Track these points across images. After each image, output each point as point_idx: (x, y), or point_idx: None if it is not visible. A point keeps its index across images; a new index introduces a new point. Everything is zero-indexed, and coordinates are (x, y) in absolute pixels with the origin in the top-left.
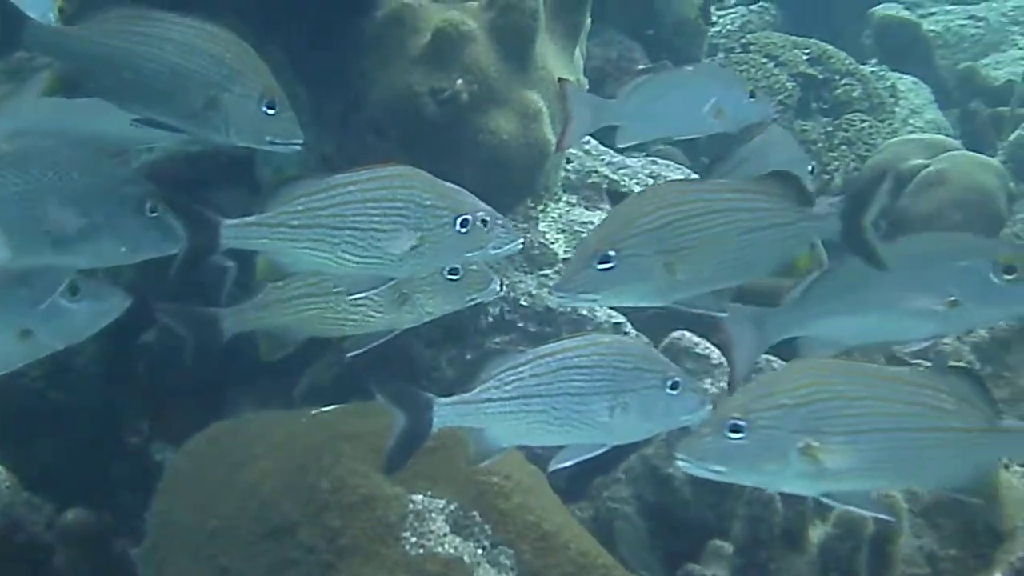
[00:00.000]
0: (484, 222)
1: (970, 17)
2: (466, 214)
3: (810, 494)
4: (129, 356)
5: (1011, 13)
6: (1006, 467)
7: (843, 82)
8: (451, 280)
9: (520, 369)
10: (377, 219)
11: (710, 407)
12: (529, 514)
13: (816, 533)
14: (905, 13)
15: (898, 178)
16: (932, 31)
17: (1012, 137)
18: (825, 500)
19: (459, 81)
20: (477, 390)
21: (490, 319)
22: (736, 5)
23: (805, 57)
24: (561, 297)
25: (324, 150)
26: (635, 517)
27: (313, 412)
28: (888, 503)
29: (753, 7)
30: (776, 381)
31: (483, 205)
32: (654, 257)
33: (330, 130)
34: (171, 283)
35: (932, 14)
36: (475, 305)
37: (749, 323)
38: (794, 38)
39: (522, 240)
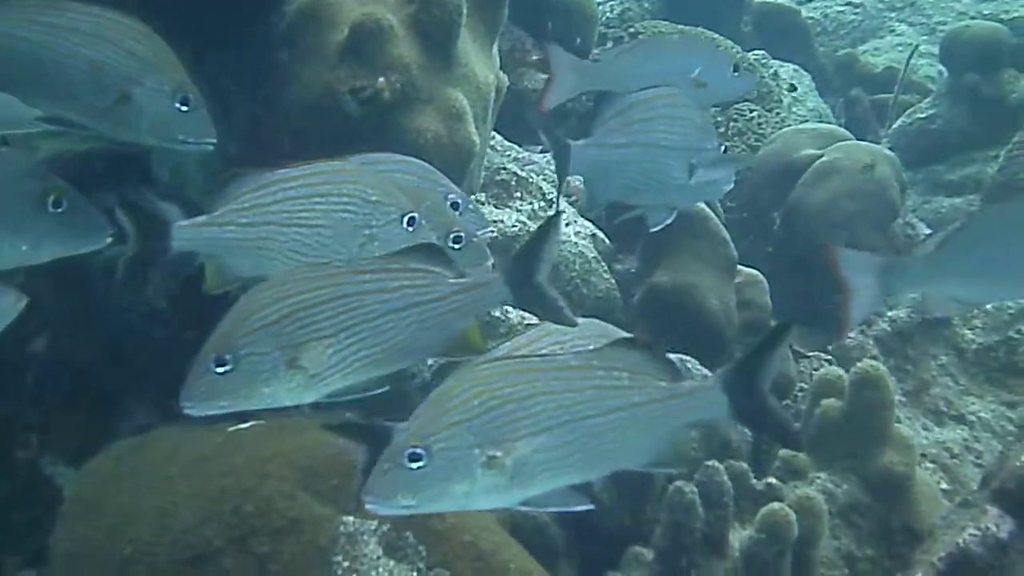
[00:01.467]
0: (455, 205)
1: (848, 3)
2: (412, 212)
3: (507, 506)
4: (16, 365)
5: (887, 0)
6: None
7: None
8: (453, 249)
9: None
10: (323, 214)
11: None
12: (465, 534)
13: (738, 537)
14: (784, 0)
15: (791, 167)
16: (811, 18)
17: (896, 124)
18: (524, 508)
19: (381, 79)
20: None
21: None
22: None
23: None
24: (186, 407)
25: (230, 151)
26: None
27: (230, 429)
28: (807, 506)
29: None
30: (444, 399)
31: (453, 188)
32: (275, 353)
33: (239, 131)
34: (120, 289)
35: (811, 0)
36: None
37: (873, 273)
38: (681, 27)
39: (492, 229)
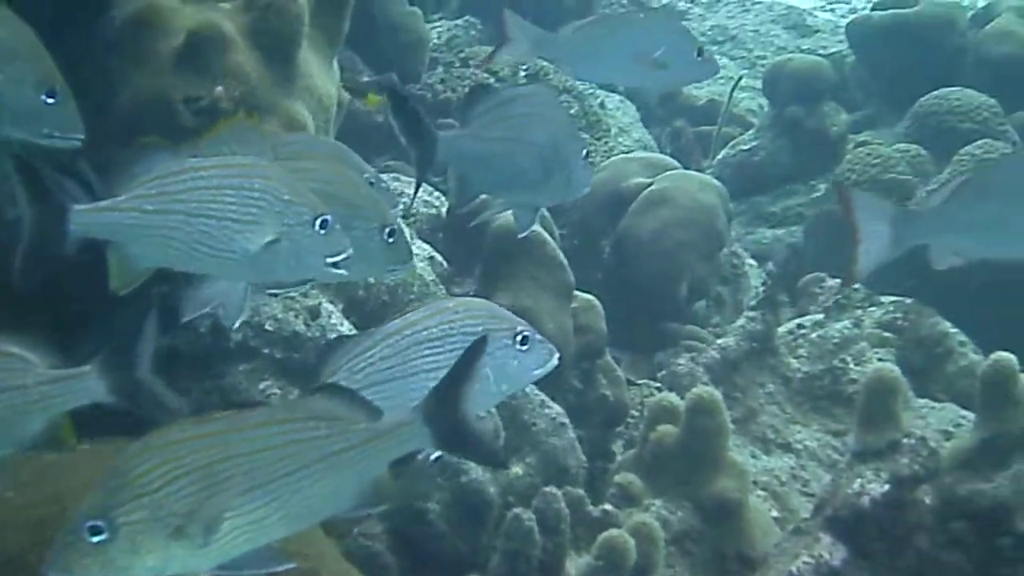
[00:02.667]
0: (371, 183)
1: None
2: (325, 215)
3: (203, 571)
4: None
5: (709, 33)
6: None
7: (560, 99)
8: (387, 242)
9: (367, 354)
10: (234, 208)
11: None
12: (303, 561)
13: (575, 564)
14: None
15: (621, 196)
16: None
17: (719, 156)
18: (221, 572)
19: (219, 88)
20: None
21: (232, 345)
22: (441, 19)
23: (523, 73)
24: None
25: (60, 159)
26: None
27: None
28: (644, 532)
29: (459, 21)
30: (129, 468)
31: (367, 167)
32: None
33: None
34: (19, 280)
35: None
36: (216, 329)
37: (886, 221)
38: None
39: (400, 205)
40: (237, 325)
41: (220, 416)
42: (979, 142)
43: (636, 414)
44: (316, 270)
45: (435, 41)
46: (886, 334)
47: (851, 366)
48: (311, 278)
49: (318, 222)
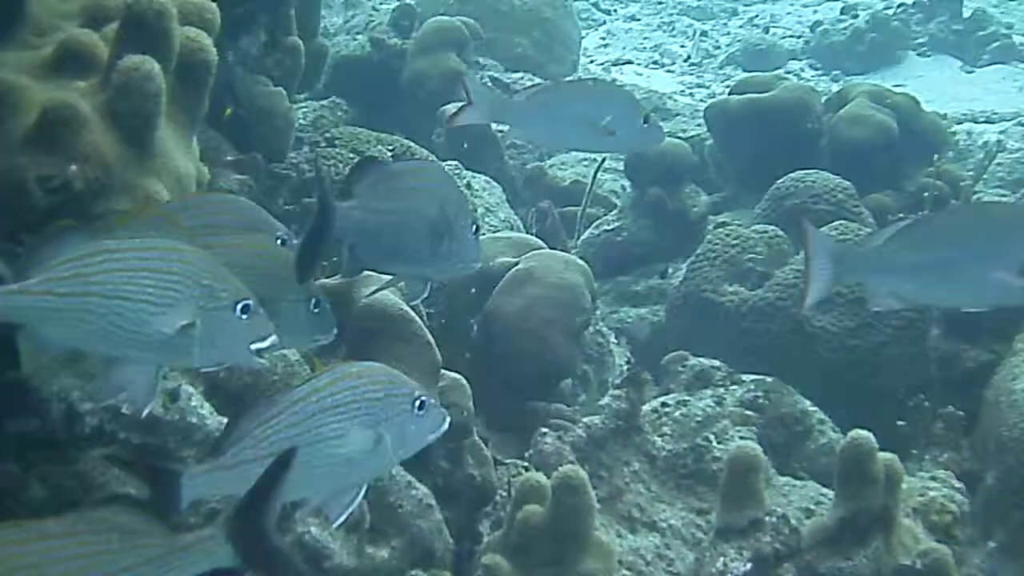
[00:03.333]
0: (284, 242)
1: None
2: (247, 299)
3: None
4: None
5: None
6: None
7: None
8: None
9: (273, 422)
10: (151, 290)
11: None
12: None
13: None
14: None
15: (487, 275)
16: (499, 131)
17: (584, 236)
18: None
19: (72, 167)
20: (230, 453)
21: (88, 429)
22: (307, 99)
23: (389, 152)
24: None
25: None
26: None
27: None
28: None
29: (324, 102)
30: None
31: (280, 226)
32: None
33: None
34: None
35: None
36: (69, 413)
37: (830, 257)
38: (378, 134)
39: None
40: (145, 412)
41: (7, 525)
42: (834, 223)
43: (503, 494)
44: (238, 355)
45: (301, 121)
46: (747, 412)
47: (714, 444)
48: (231, 363)
49: (239, 307)
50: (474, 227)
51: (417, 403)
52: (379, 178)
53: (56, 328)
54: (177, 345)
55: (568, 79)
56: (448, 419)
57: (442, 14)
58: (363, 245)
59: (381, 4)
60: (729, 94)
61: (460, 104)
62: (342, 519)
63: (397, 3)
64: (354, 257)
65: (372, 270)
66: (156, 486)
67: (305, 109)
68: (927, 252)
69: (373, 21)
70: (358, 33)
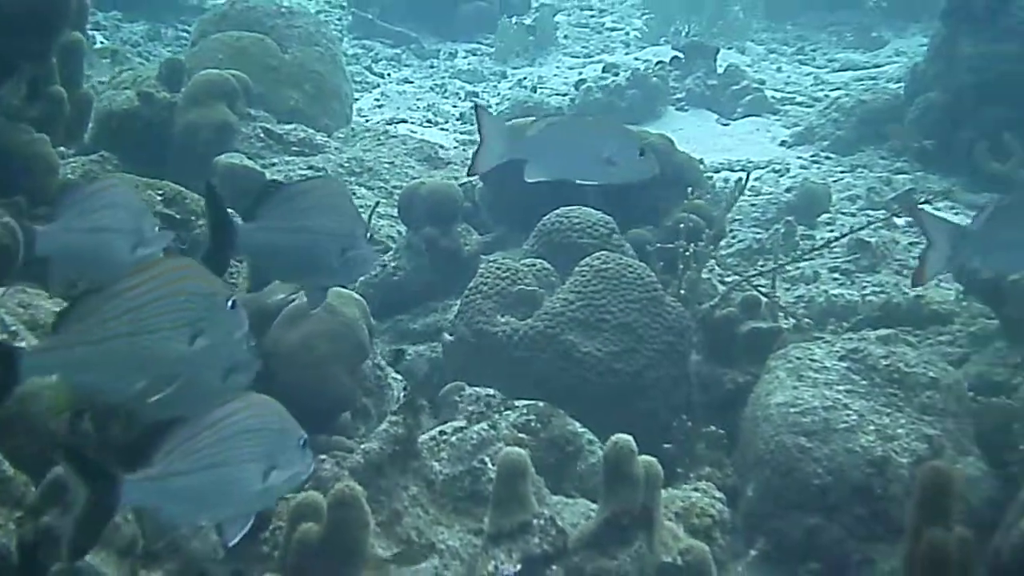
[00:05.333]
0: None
1: (310, 167)
2: (232, 295)
3: None
4: None
5: (346, 164)
6: None
7: (199, 223)
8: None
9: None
10: (166, 317)
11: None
12: None
13: None
14: (248, 162)
15: (264, 311)
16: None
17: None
18: None
19: None
20: (160, 466)
21: None
22: (75, 155)
23: (159, 198)
24: None
25: None
26: None
27: None
28: None
29: (92, 156)
30: None
31: None
32: None
33: None
34: None
35: (273, 164)
36: None
37: (948, 240)
38: (148, 179)
39: None
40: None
41: None
42: (597, 254)
43: (282, 524)
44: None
45: (70, 176)
46: (521, 435)
47: (489, 466)
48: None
49: (230, 303)
50: (368, 235)
51: (302, 441)
52: (282, 199)
53: (91, 373)
54: (195, 355)
55: (568, 117)
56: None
57: (212, 68)
58: (268, 261)
59: (151, 56)
60: None
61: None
62: (236, 540)
63: (166, 58)
64: (259, 272)
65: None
66: (96, 487)
67: (74, 164)
68: (1009, 232)
69: (141, 76)
70: (126, 88)
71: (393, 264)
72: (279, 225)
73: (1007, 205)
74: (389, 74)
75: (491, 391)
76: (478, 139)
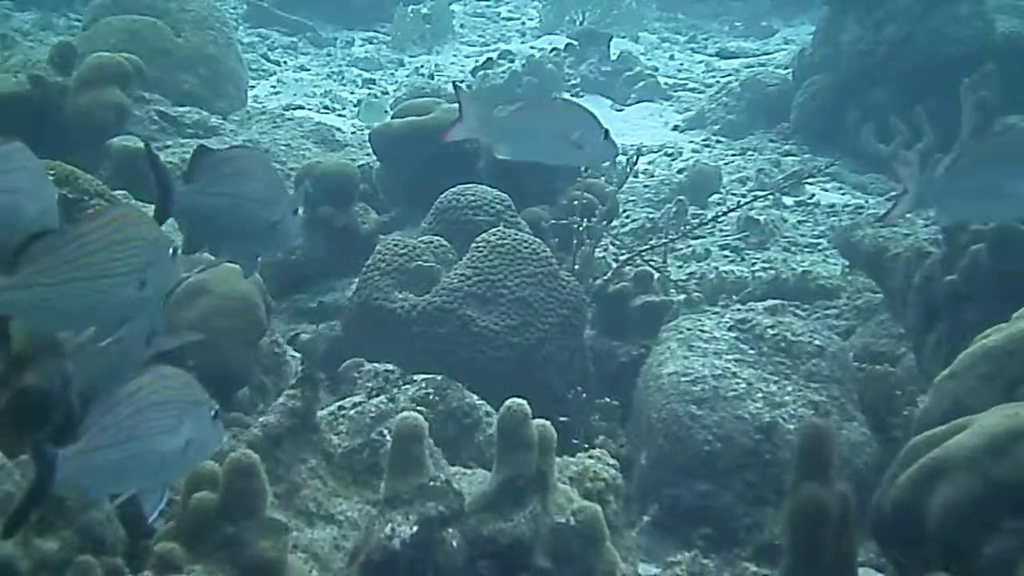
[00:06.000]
0: None
1: None
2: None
3: None
4: None
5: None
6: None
7: (93, 202)
8: None
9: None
10: (120, 262)
11: None
12: None
13: None
14: (140, 144)
15: None
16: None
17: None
18: None
19: None
20: (83, 440)
21: None
22: None
23: (52, 178)
24: None
25: None
26: None
27: None
28: None
29: None
30: None
31: None
32: None
33: None
34: None
35: (168, 147)
36: None
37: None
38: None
39: None
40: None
41: None
42: (493, 230)
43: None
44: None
45: None
46: (419, 408)
47: (388, 438)
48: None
49: (172, 250)
50: (297, 209)
51: (214, 412)
52: (214, 163)
53: (48, 313)
54: (144, 300)
55: (538, 99)
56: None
57: (104, 52)
58: (205, 225)
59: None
60: (392, 118)
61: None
62: (156, 514)
63: (57, 42)
64: (195, 235)
65: (211, 248)
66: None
67: None
68: (973, 179)
69: (31, 60)
70: (17, 72)
71: None
72: (217, 190)
73: (968, 155)
74: (286, 62)
75: (390, 366)
76: (456, 114)
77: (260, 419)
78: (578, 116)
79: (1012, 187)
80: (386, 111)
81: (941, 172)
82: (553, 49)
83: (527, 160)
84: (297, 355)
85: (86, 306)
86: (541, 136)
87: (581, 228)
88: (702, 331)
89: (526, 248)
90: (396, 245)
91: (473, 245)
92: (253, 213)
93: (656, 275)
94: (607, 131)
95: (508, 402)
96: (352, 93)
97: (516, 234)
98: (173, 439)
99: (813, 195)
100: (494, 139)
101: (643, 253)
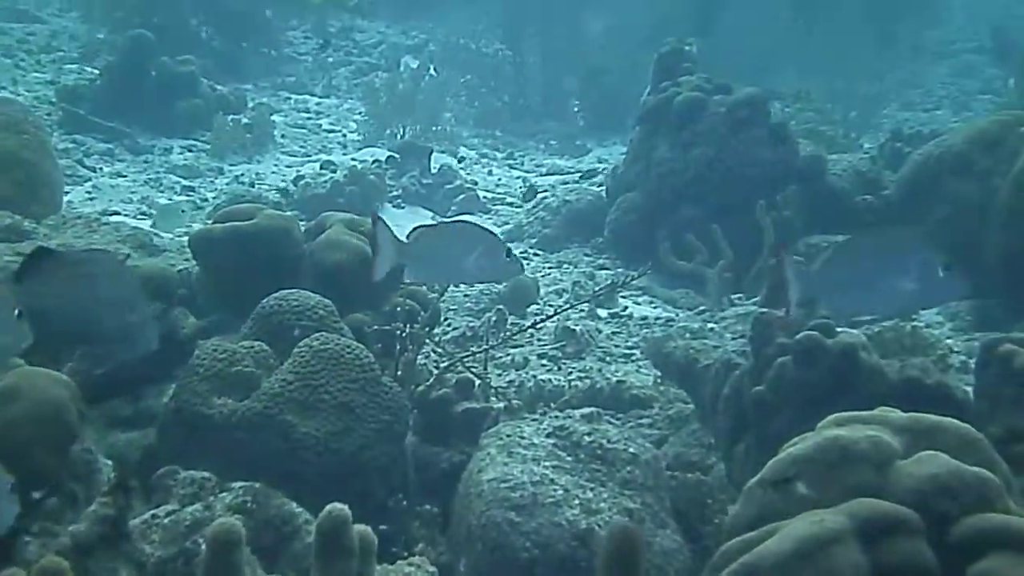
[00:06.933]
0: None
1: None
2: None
3: None
4: None
5: None
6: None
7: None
8: None
9: None
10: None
11: None
12: None
13: None
14: None
15: None
16: None
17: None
18: None
19: None
20: None
21: None
22: None
23: None
24: None
25: None
26: None
27: None
28: None
29: None
30: None
31: None
32: None
33: None
34: None
35: None
36: None
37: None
38: None
39: None
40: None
41: None
42: (316, 335)
43: None
44: None
45: None
46: (237, 516)
47: (202, 547)
48: None
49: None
50: (153, 310)
51: (9, 486)
52: (55, 265)
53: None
54: None
55: (441, 221)
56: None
57: None
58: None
59: None
60: (213, 223)
61: None
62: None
63: None
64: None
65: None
66: None
67: None
68: (839, 274)
69: None
70: None
71: None
72: (49, 290)
73: (840, 250)
74: (101, 168)
75: (206, 474)
76: (374, 248)
77: (70, 527)
78: (478, 238)
79: (880, 280)
80: (182, 213)
81: (816, 266)
82: (375, 161)
83: (437, 282)
84: (109, 462)
85: None
86: (446, 259)
87: (404, 334)
88: (521, 437)
89: (349, 353)
90: (215, 350)
91: (295, 350)
92: (99, 315)
93: (477, 382)
94: (509, 249)
95: (328, 507)
96: (170, 199)
97: (339, 339)
98: None
99: (626, 307)
100: (408, 264)
101: (464, 360)
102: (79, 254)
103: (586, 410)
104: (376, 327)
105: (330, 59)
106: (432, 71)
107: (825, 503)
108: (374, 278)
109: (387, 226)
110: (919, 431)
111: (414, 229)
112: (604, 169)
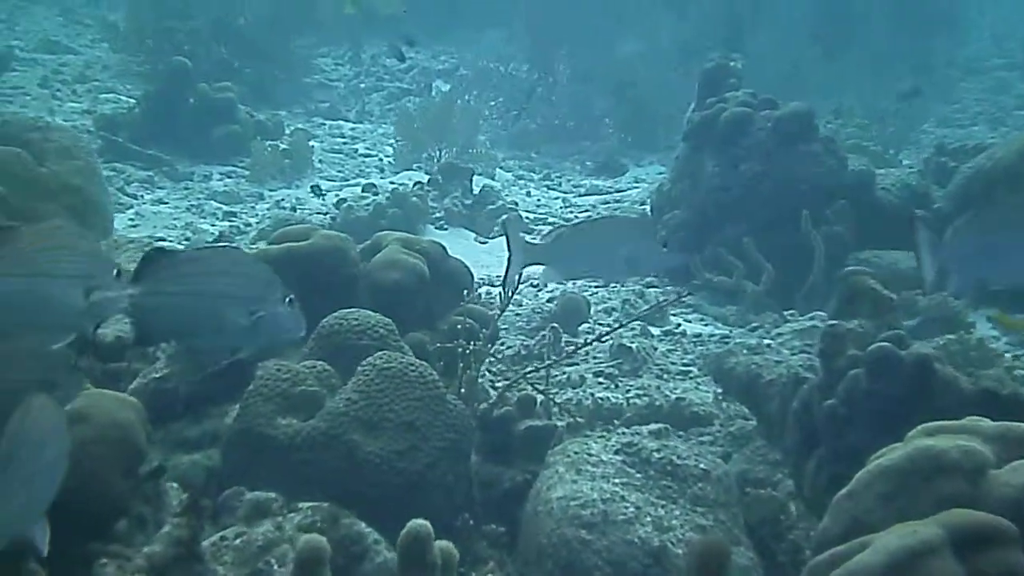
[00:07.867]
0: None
1: None
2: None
3: None
4: None
5: None
6: None
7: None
8: None
9: None
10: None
11: None
12: None
13: None
14: None
15: None
16: None
17: (132, 385)
18: None
19: None
20: None
21: None
22: None
23: None
24: None
25: None
26: None
27: None
28: None
29: None
30: None
31: None
32: None
33: None
34: None
35: None
36: None
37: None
38: None
39: None
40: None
41: None
42: (379, 353)
43: None
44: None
45: None
46: (306, 535)
47: (276, 568)
48: None
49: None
50: (287, 299)
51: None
52: (168, 264)
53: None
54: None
55: (596, 218)
56: None
57: None
58: (150, 323)
59: None
60: (268, 244)
61: None
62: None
63: None
64: (141, 333)
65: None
66: None
67: None
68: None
69: None
70: None
71: (165, 371)
72: (161, 289)
73: (974, 219)
74: (143, 195)
75: (272, 494)
76: (508, 252)
77: (144, 549)
78: (630, 231)
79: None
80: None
81: (948, 235)
82: (417, 183)
83: (582, 278)
84: (175, 485)
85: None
86: (598, 255)
87: (468, 352)
88: (589, 455)
89: (413, 372)
90: (279, 370)
91: (360, 368)
92: (214, 309)
93: (539, 400)
94: (666, 241)
95: (410, 524)
96: (213, 225)
97: (403, 357)
98: None
99: (679, 325)
100: (547, 264)
101: (524, 378)
102: (197, 251)
103: (654, 426)
104: (439, 344)
105: (362, 85)
106: (466, 98)
107: (917, 515)
108: (506, 283)
109: (518, 231)
110: (1011, 440)
111: (552, 230)
112: (638, 187)
